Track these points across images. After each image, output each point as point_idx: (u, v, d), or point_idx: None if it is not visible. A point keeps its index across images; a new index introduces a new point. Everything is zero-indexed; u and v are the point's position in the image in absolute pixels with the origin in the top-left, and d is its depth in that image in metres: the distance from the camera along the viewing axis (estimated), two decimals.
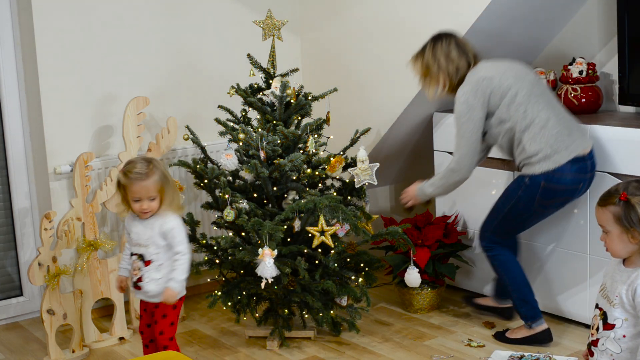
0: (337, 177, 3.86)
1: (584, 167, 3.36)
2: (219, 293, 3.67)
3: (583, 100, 3.82)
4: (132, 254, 3.15)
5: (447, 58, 3.47)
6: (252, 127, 3.77)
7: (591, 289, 3.60)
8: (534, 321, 3.53)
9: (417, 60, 3.55)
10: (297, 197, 3.73)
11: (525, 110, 3.33)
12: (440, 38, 3.50)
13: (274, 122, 3.70)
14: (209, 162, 3.88)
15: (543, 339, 3.53)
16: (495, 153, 3.89)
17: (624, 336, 2.39)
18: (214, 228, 3.98)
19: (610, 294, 2.44)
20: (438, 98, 3.58)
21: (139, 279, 3.09)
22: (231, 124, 3.83)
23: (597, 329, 2.45)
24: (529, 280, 3.59)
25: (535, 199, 3.38)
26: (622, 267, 2.44)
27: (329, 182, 3.94)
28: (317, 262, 3.64)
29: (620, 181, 2.81)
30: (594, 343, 2.46)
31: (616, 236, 2.38)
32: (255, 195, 3.73)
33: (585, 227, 3.57)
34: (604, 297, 2.47)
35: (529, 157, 3.35)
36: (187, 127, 3.90)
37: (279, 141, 3.58)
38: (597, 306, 2.50)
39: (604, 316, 2.44)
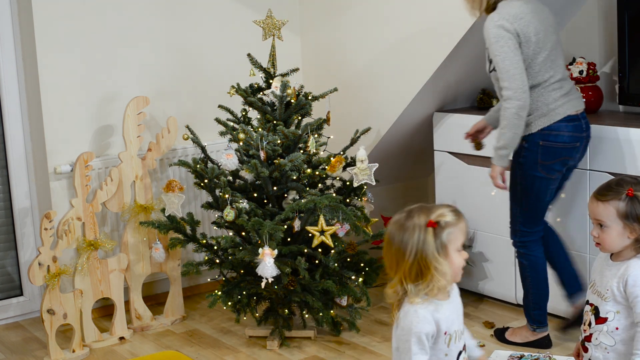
0: (337, 177, 3.86)
1: (579, 126, 3.34)
2: (219, 293, 3.67)
3: (583, 100, 3.81)
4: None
5: None
6: (252, 127, 3.77)
7: None
8: (540, 327, 3.54)
9: None
10: (297, 197, 3.73)
11: (538, 72, 3.28)
12: None
13: (274, 121, 3.70)
14: (209, 161, 3.88)
15: (542, 345, 3.53)
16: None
17: (617, 328, 2.41)
18: (214, 228, 3.98)
19: (600, 289, 2.46)
20: (479, 15, 3.42)
21: None
22: (231, 123, 3.84)
23: (590, 325, 2.48)
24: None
25: (537, 162, 3.35)
26: (610, 261, 2.47)
27: (329, 182, 3.94)
28: (317, 261, 3.64)
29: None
30: (588, 338, 2.49)
31: (616, 231, 2.39)
32: (255, 195, 3.73)
33: (585, 226, 3.57)
34: (594, 293, 2.49)
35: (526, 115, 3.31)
36: (187, 126, 3.91)
37: (279, 141, 3.58)
38: (587, 302, 2.52)
39: (596, 311, 2.46)
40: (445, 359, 2.14)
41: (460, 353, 2.18)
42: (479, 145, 3.71)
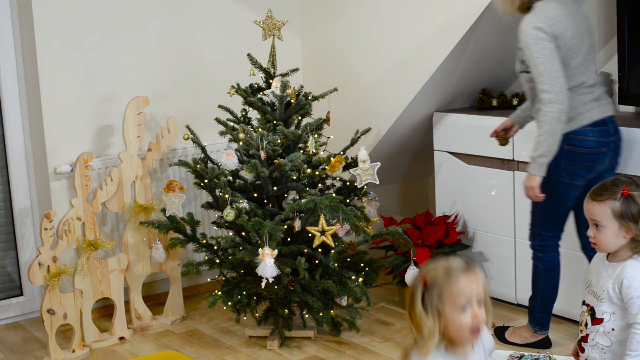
0: (337, 177, 3.86)
1: (605, 131, 3.25)
2: (219, 293, 3.67)
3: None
4: None
5: None
6: (252, 127, 3.77)
7: None
8: (542, 330, 3.52)
9: None
10: (297, 197, 3.73)
11: (571, 76, 3.19)
12: None
13: (274, 121, 3.70)
14: (209, 161, 3.88)
15: (542, 346, 3.53)
16: (495, 152, 3.90)
17: (613, 329, 2.41)
18: (214, 228, 3.98)
19: (596, 289, 2.46)
20: (510, 14, 3.33)
21: None
22: (231, 123, 3.84)
23: (586, 325, 2.47)
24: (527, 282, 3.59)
25: (561, 167, 3.25)
26: (607, 262, 2.46)
27: (329, 182, 3.95)
28: (317, 261, 3.64)
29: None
30: (584, 339, 2.49)
31: (612, 231, 2.39)
32: (255, 195, 3.73)
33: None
34: (590, 294, 2.49)
35: None
36: (187, 126, 3.91)
37: (279, 141, 3.58)
38: (583, 303, 2.52)
39: (592, 312, 2.46)
40: None
41: None
42: (504, 141, 3.62)
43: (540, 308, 3.51)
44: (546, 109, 3.13)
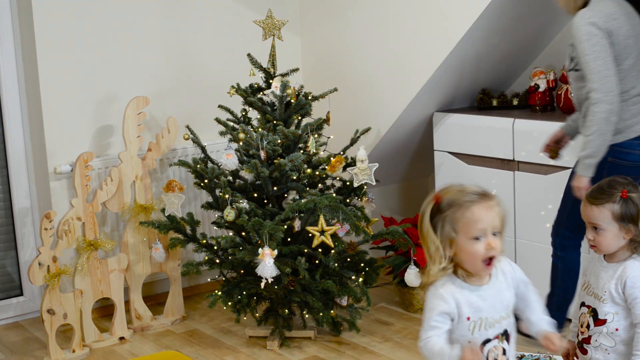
0: (337, 177, 3.86)
1: None
2: (219, 293, 3.67)
3: None
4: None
5: None
6: (252, 127, 3.77)
7: None
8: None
9: None
10: (297, 197, 3.73)
11: (620, 80, 3.06)
12: None
13: (274, 121, 3.70)
14: (209, 161, 3.88)
15: None
16: (495, 152, 3.90)
17: (617, 329, 2.40)
18: (214, 228, 3.99)
19: (597, 290, 2.45)
20: (573, 12, 3.18)
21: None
22: (231, 123, 3.84)
23: (588, 327, 2.46)
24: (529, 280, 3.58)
25: (603, 178, 3.09)
26: (605, 262, 2.45)
27: (329, 182, 3.95)
28: (317, 262, 3.64)
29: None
30: (586, 340, 2.47)
31: (612, 233, 2.38)
32: (255, 195, 3.73)
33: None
34: (590, 295, 2.47)
35: None
36: (187, 126, 3.91)
37: (279, 141, 3.58)
38: (583, 304, 2.50)
39: (594, 313, 2.45)
40: (469, 346, 2.00)
41: (487, 341, 2.04)
42: (555, 154, 3.49)
43: (556, 307, 3.45)
44: (595, 108, 3.02)
